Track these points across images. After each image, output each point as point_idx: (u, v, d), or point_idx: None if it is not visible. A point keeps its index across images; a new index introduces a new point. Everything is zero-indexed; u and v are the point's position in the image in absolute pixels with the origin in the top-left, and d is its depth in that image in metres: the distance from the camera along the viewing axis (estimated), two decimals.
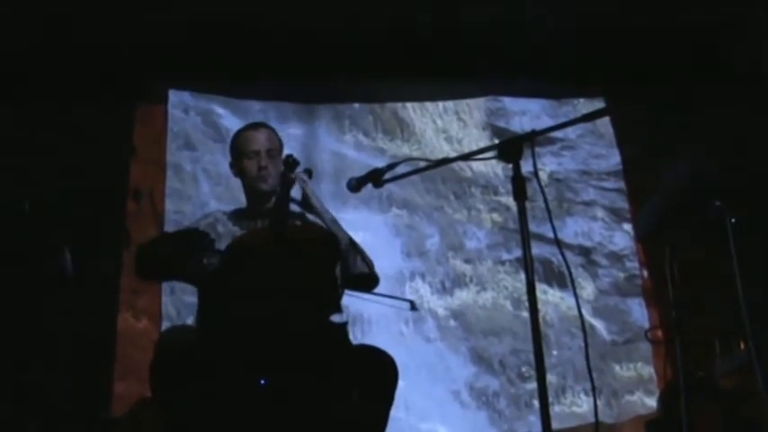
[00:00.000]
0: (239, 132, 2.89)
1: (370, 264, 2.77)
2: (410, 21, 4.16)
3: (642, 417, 3.77)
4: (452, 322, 4.00)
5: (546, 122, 4.42)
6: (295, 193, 2.68)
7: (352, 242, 2.72)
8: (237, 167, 2.84)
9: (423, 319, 3.99)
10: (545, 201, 2.22)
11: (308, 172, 2.70)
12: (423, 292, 4.05)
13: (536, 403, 1.99)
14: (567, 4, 4.09)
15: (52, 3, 3.84)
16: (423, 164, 2.48)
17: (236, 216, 2.84)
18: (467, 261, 4.15)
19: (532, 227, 2.13)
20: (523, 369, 3.89)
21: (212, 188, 4.11)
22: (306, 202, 2.71)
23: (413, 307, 3.51)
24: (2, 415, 3.10)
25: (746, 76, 3.88)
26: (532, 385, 3.78)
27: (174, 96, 4.31)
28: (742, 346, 2.72)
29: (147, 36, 4.09)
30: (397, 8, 4.10)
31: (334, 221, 2.73)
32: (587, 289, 4.12)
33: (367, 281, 2.79)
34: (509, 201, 4.14)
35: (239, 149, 2.83)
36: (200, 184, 4.14)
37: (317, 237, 2.60)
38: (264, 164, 2.77)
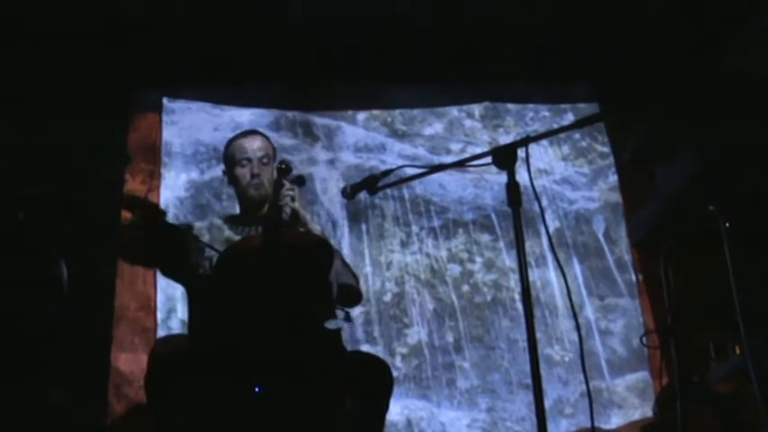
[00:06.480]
0: (232, 140, 2.88)
1: (356, 278, 2.78)
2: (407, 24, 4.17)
3: (638, 422, 3.76)
4: (448, 324, 4.00)
5: (541, 128, 4.43)
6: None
7: (339, 256, 2.73)
8: (230, 175, 2.84)
9: (419, 317, 4.00)
10: (540, 207, 2.22)
11: (301, 179, 2.64)
12: (418, 290, 4.05)
13: (534, 409, 1.99)
14: (565, 6, 4.11)
15: (45, 4, 3.84)
16: (418, 170, 2.49)
17: (232, 222, 2.84)
18: (461, 266, 4.15)
19: (527, 232, 2.14)
20: (521, 376, 3.88)
21: (207, 195, 4.11)
22: (295, 219, 2.62)
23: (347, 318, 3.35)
24: None
25: (743, 79, 3.88)
26: (529, 392, 3.78)
27: (168, 104, 4.31)
28: (737, 350, 2.72)
29: (142, 43, 4.09)
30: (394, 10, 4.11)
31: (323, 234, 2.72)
32: (583, 294, 4.12)
33: (352, 294, 2.78)
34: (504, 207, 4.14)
35: (232, 157, 2.83)
36: (194, 192, 4.14)
37: (310, 242, 2.59)
38: (257, 171, 2.77)
